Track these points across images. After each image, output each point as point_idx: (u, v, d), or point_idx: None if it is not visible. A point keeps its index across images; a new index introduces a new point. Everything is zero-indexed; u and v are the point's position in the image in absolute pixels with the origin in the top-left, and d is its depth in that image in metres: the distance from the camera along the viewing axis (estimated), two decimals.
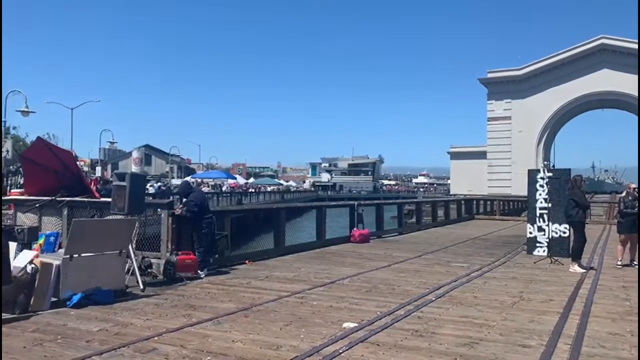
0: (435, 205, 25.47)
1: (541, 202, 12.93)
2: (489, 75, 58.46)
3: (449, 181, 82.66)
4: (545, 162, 48.35)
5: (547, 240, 12.62)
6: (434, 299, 7.58)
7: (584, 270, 10.36)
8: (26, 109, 27.09)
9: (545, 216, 12.78)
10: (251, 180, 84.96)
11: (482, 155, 57.98)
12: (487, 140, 58.52)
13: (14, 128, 47.81)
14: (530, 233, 13.12)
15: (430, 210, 24.90)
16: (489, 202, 35.32)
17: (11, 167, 22.59)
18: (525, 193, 14.10)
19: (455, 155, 62.56)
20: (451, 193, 58.77)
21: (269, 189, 69.75)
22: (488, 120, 58.50)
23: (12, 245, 7.45)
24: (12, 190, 15.71)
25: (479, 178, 55.64)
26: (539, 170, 13.62)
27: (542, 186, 12.97)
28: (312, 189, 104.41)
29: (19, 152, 27.41)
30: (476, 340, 5.44)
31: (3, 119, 27.86)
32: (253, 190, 61.92)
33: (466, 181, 56.79)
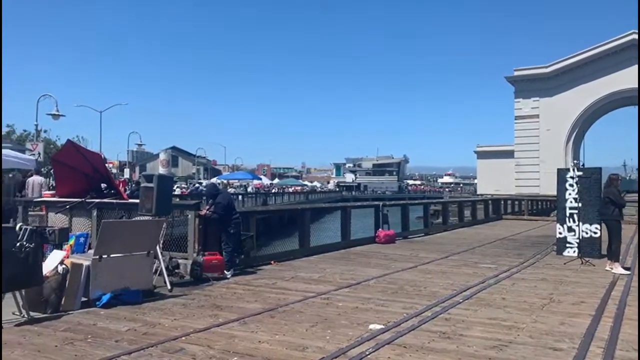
0: (462, 206, 25.15)
1: (571, 202, 12.65)
2: (516, 73, 57.51)
3: (475, 181, 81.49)
4: (575, 161, 47.28)
5: (578, 240, 12.34)
6: (461, 300, 7.48)
7: (629, 272, 10.08)
8: (57, 113, 27.66)
9: (575, 216, 12.50)
10: (276, 180, 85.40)
11: (509, 154, 57.07)
12: (515, 139, 57.59)
13: (45, 131, 49.00)
14: (560, 233, 12.85)
15: (457, 210, 24.63)
16: (517, 202, 34.77)
17: (43, 169, 23.13)
18: (554, 192, 13.80)
19: (482, 155, 61.69)
20: (478, 193, 57.96)
21: (290, 189, 69.84)
22: (515, 119, 57.58)
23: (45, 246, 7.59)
24: (44, 192, 16.06)
25: (506, 177, 54.77)
26: (568, 169, 13.31)
27: (571, 185, 12.69)
28: (337, 189, 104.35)
29: (49, 154, 28.06)
30: (505, 342, 5.35)
31: (34, 122, 28.53)
32: (275, 190, 62.15)
33: (493, 181, 55.94)
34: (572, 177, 12.75)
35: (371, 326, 5.92)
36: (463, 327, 5.97)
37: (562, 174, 13.13)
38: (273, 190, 59.41)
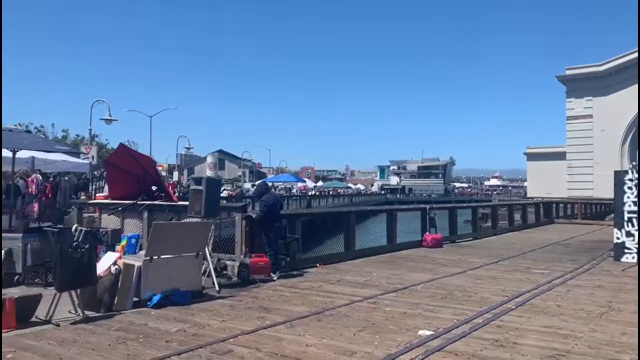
0: (512, 209, 24.49)
1: (630, 206, 12.08)
2: (568, 72, 55.58)
3: (523, 183, 79.03)
4: (634, 163, 45.37)
5: (637, 246, 11.77)
6: (513, 307, 7.23)
7: None
8: (109, 117, 28.57)
9: (634, 220, 11.93)
10: (319, 183, 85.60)
11: (561, 156, 55.18)
12: (567, 140, 55.62)
13: (96, 136, 50.74)
14: (618, 238, 12.29)
15: (507, 213, 23.99)
16: (569, 205, 33.60)
17: (96, 172, 23.90)
18: (609, 195, 13.25)
19: (532, 157, 59.93)
20: (528, 196, 56.35)
21: (330, 192, 69.57)
22: (567, 119, 55.63)
23: (99, 247, 7.84)
24: (97, 195, 16.63)
25: (558, 180, 52.99)
26: (626, 172, 12.73)
27: (630, 188, 12.12)
28: (382, 192, 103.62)
29: (102, 158, 29.05)
30: (562, 352, 5.12)
31: (88, 127, 29.57)
32: (314, 193, 61.82)
33: (544, 183, 54.24)
34: (630, 180, 12.19)
35: (420, 332, 5.79)
36: (516, 335, 5.76)
37: (619, 176, 12.57)
38: (309, 193, 58.89)
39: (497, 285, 8.98)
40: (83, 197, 16.82)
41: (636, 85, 50.91)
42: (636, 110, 51.54)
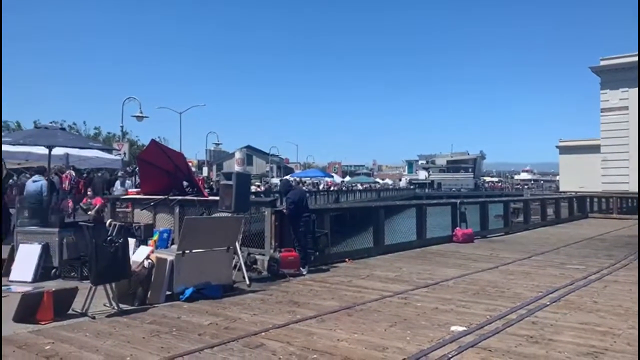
0: (545, 203, 24.03)
1: None
2: (602, 62, 54.00)
3: (555, 177, 77.33)
4: None
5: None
6: (548, 303, 7.09)
7: None
8: (140, 114, 28.98)
9: None
10: (347, 178, 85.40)
11: (595, 149, 53.76)
12: (601, 133, 54.09)
13: (126, 133, 51.53)
14: None
15: (539, 208, 23.55)
16: (604, 200, 32.78)
17: (127, 168, 24.33)
18: None
19: (565, 150, 58.59)
20: (561, 190, 55.16)
21: (359, 186, 69.13)
22: (601, 112, 54.07)
23: (132, 241, 7.96)
24: (130, 190, 16.88)
25: (591, 174, 51.64)
26: None
27: None
28: (410, 186, 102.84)
29: (133, 154, 29.54)
30: (601, 350, 4.99)
31: (120, 124, 30.09)
32: (337, 188, 61.26)
33: (577, 177, 52.96)
34: None
35: (453, 328, 5.72)
36: (552, 331, 5.65)
37: None
38: (332, 189, 58.28)
39: (531, 281, 8.82)
40: (89, 193, 16.85)
41: None
42: None
